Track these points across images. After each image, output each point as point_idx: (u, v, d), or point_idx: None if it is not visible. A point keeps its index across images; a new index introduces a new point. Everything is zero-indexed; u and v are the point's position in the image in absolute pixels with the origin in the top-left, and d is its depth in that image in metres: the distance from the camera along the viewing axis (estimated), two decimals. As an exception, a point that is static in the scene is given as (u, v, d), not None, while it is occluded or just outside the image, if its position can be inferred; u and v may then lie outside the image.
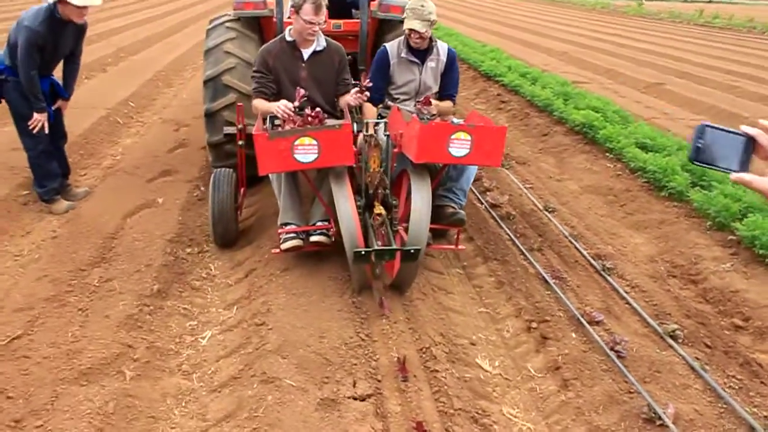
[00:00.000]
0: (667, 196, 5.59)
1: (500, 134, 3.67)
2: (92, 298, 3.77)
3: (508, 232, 4.89)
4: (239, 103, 4.57)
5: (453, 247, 4.35)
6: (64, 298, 3.76)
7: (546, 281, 4.20)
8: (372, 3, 5.44)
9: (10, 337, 3.35)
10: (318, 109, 3.86)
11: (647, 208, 5.51)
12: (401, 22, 5.16)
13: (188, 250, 4.48)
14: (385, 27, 5.57)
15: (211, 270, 4.30)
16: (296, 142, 3.51)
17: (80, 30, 4.85)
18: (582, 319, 3.74)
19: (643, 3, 30.69)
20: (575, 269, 4.41)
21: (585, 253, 4.63)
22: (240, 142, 4.60)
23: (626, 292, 4.13)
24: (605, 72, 12.22)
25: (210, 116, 5.09)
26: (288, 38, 4.25)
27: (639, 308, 3.94)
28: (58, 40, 4.66)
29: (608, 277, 4.30)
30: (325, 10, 4.08)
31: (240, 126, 4.57)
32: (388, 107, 4.53)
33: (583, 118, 7.27)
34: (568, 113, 7.66)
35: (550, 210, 5.35)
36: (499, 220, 5.09)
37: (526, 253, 4.55)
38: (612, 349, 3.46)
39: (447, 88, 4.66)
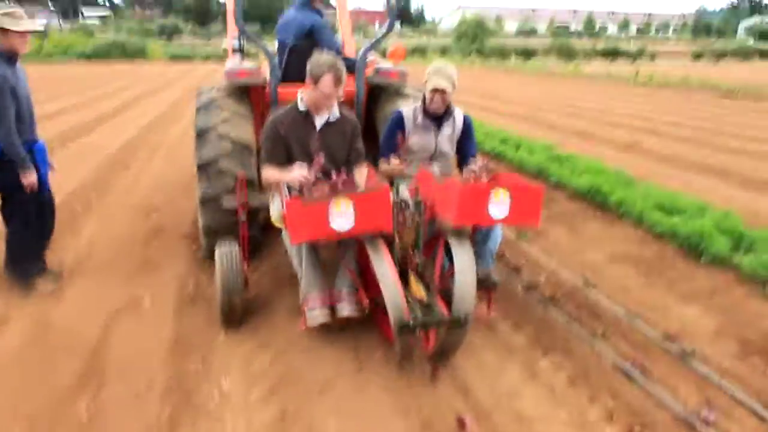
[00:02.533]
0: (708, 261, 5.11)
1: (538, 194, 3.52)
2: (84, 440, 2.94)
3: (561, 317, 4.26)
4: (241, 177, 4.24)
5: (485, 312, 3.93)
6: (46, 442, 2.93)
7: (626, 373, 3.58)
8: (366, 69, 5.14)
9: None
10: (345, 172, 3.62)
11: (689, 276, 5.01)
12: (397, 90, 5.19)
13: (191, 362, 3.67)
14: (380, 93, 5.27)
15: (222, 387, 3.48)
16: (331, 206, 3.25)
17: (26, 78, 4.50)
18: (694, 421, 3.11)
19: (578, 66, 31.59)
20: (651, 355, 3.80)
21: (653, 334, 4.04)
22: (242, 217, 4.23)
23: (719, 379, 3.54)
24: (576, 134, 12.03)
25: (205, 202, 4.62)
26: (301, 108, 3.92)
27: (746, 398, 3.34)
28: (20, 85, 4.28)
29: (692, 363, 3.71)
30: (344, 83, 3.81)
31: (243, 201, 4.21)
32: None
33: (589, 183, 6.84)
34: (569, 178, 7.24)
35: (591, 286, 4.77)
36: (544, 304, 4.47)
37: (590, 341, 3.93)
38: (747, 458, 2.84)
39: (469, 152, 4.45)
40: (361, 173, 4.10)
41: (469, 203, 3.38)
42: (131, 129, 12.31)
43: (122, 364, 3.55)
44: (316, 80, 3.72)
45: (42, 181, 4.55)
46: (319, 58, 3.75)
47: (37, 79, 4.83)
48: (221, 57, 36.39)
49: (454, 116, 4.41)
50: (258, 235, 4.87)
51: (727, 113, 15.84)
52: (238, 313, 4.06)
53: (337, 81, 3.73)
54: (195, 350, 3.81)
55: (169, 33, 59.39)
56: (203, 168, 4.62)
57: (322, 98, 3.80)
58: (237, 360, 3.77)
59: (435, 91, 4.17)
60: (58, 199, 6.55)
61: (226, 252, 4.00)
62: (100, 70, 30.66)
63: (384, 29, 5.03)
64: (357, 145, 4.16)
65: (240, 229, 4.30)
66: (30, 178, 4.35)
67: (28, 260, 4.65)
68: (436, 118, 4.34)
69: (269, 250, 5.17)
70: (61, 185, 7.20)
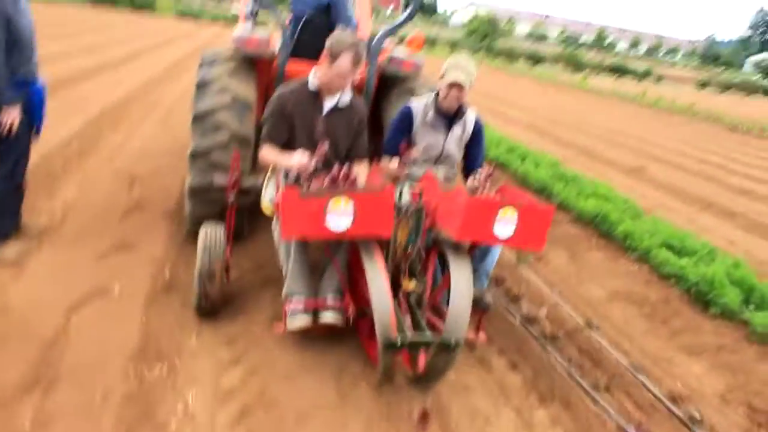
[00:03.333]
0: (716, 313, 4.83)
1: (547, 216, 3.23)
2: (23, 454, 2.59)
3: (561, 361, 3.95)
4: (235, 150, 3.97)
5: (472, 336, 3.53)
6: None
7: (629, 437, 3.29)
8: (380, 56, 4.81)
9: None
10: (347, 166, 3.32)
11: (695, 327, 4.73)
12: (405, 80, 4.91)
13: (156, 369, 3.31)
14: (390, 83, 4.98)
15: (188, 402, 3.13)
16: (330, 204, 2.97)
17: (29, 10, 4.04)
18: None
19: (586, 78, 31.30)
20: (656, 418, 3.51)
21: (657, 392, 3.75)
22: (231, 198, 3.93)
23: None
24: (582, 151, 11.72)
25: (196, 157, 4.31)
26: (311, 87, 3.68)
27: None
28: (20, 15, 3.89)
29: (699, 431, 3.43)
30: (362, 65, 3.58)
31: (235, 175, 3.90)
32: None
33: (595, 209, 6.53)
34: (574, 201, 6.93)
35: (594, 327, 4.46)
36: (544, 343, 4.15)
37: (593, 394, 3.62)
38: None
39: (474, 163, 4.18)
40: (362, 169, 3.83)
41: (475, 218, 3.12)
42: (127, 84, 11.79)
43: (79, 365, 3.17)
44: (333, 57, 3.49)
45: (34, 127, 4.33)
46: (341, 34, 3.54)
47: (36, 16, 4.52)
48: (229, 20, 35.65)
49: (466, 117, 4.10)
50: (244, 216, 4.52)
51: (733, 148, 15.64)
52: (216, 306, 3.78)
53: (356, 62, 3.51)
54: (162, 355, 3.43)
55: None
56: (199, 119, 4.32)
57: (336, 78, 3.56)
58: (207, 372, 3.39)
59: (452, 85, 3.83)
60: (38, 155, 6.16)
61: (211, 230, 3.74)
62: (106, 16, 29.89)
63: (403, 16, 4.72)
64: (361, 138, 3.93)
65: (227, 210, 3.99)
66: (13, 110, 3.98)
67: (5, 217, 4.33)
68: (448, 116, 4.03)
69: (254, 242, 4.83)
70: (43, 139, 6.77)
